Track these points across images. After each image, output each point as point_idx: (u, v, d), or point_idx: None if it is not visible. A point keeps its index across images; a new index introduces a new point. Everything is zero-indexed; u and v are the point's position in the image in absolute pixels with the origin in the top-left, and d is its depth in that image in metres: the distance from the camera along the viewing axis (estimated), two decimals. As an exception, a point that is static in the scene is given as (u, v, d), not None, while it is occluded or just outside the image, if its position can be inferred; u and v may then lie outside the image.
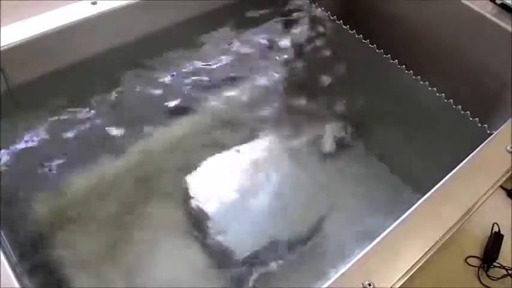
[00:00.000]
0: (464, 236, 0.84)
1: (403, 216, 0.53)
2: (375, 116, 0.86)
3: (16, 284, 0.45)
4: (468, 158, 0.59)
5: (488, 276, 0.80)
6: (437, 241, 0.51)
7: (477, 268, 0.80)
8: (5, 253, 0.47)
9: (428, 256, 0.51)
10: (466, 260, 0.81)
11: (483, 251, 0.82)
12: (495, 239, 0.83)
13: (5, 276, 0.45)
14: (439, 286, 0.78)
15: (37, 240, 0.66)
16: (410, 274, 0.49)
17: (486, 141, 0.61)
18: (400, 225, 0.52)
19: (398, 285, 0.48)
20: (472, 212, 0.54)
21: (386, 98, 0.87)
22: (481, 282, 0.79)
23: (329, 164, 0.80)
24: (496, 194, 0.91)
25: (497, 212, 0.88)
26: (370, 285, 0.47)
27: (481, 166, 0.59)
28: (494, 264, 0.81)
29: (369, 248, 0.50)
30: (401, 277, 0.48)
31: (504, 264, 0.81)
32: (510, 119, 0.64)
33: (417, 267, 0.50)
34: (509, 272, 0.80)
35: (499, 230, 0.84)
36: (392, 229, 0.52)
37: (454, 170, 0.58)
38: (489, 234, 0.84)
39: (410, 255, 0.50)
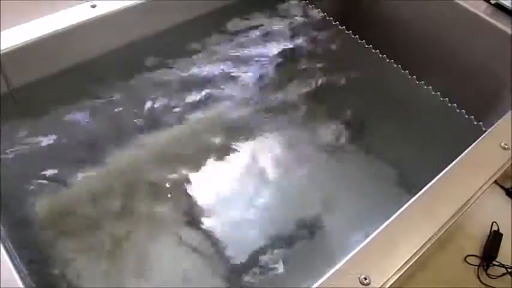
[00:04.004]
0: (463, 235, 0.84)
1: (398, 212, 0.54)
2: (372, 115, 0.86)
3: (20, 284, 0.45)
4: (463, 154, 0.60)
5: (487, 274, 0.79)
6: (432, 236, 0.52)
7: (477, 267, 0.80)
8: (7, 252, 0.47)
9: (424, 251, 0.51)
10: (465, 259, 0.81)
11: (482, 250, 0.82)
12: (494, 238, 0.83)
13: (8, 276, 0.45)
14: (439, 285, 0.77)
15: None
16: (406, 268, 0.49)
17: (480, 138, 0.62)
18: (396, 221, 0.53)
19: (394, 279, 0.48)
20: (467, 207, 0.55)
21: (383, 97, 0.88)
22: (480, 281, 0.79)
23: (328, 163, 0.81)
24: (495, 193, 0.91)
25: (496, 211, 0.88)
26: (366, 279, 0.47)
27: (476, 162, 0.59)
28: (494, 262, 0.80)
29: (365, 242, 0.51)
30: (397, 271, 0.49)
31: (504, 263, 0.80)
32: (504, 116, 0.65)
33: (413, 261, 0.50)
34: (509, 270, 0.80)
35: (498, 229, 0.84)
36: (388, 224, 0.52)
37: (449, 167, 0.58)
38: (488, 233, 0.84)
39: (406, 249, 0.51)
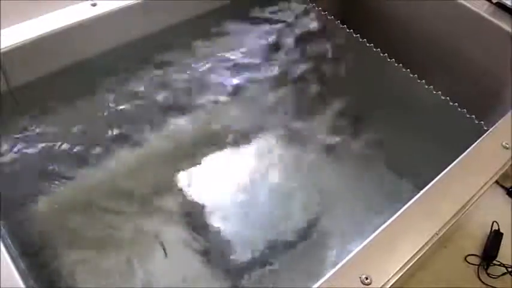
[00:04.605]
0: (464, 234, 0.84)
1: (399, 211, 0.54)
2: (372, 114, 0.86)
3: (21, 284, 0.45)
4: (464, 154, 0.60)
5: (488, 274, 0.80)
6: (433, 235, 0.52)
7: (477, 266, 0.80)
8: (7, 249, 0.47)
9: (425, 250, 0.51)
10: (466, 259, 0.81)
11: (483, 249, 0.82)
12: (495, 237, 0.83)
13: (8, 275, 0.45)
14: (439, 284, 0.78)
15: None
16: (407, 268, 0.49)
17: (482, 137, 0.62)
18: (397, 220, 0.53)
19: (396, 279, 0.48)
20: (468, 207, 0.55)
21: (384, 97, 0.88)
22: (480, 280, 0.79)
23: (328, 161, 0.81)
24: (496, 193, 0.91)
25: (496, 211, 0.88)
26: (367, 278, 0.47)
27: (477, 162, 0.59)
28: (494, 262, 0.81)
29: (366, 242, 0.51)
30: (398, 271, 0.49)
31: (504, 262, 0.80)
32: (505, 116, 0.65)
33: (414, 261, 0.50)
34: (509, 269, 0.80)
35: (499, 228, 0.84)
36: (389, 224, 0.52)
37: (450, 166, 0.58)
38: (489, 232, 0.84)
39: (407, 249, 0.51)
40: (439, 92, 0.86)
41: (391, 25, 0.93)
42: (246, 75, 0.90)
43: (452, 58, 0.86)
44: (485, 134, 0.63)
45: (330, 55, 0.95)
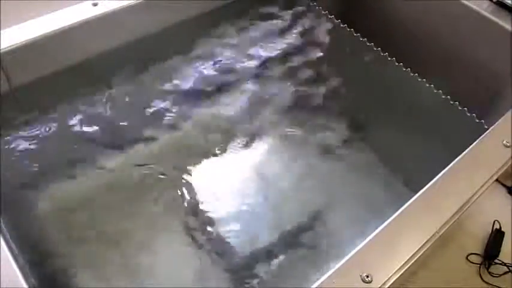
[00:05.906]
0: (465, 233, 0.84)
1: (400, 210, 0.54)
2: (373, 114, 0.86)
3: (23, 283, 0.45)
4: (465, 152, 0.60)
5: (489, 273, 0.80)
6: (434, 234, 0.52)
7: (478, 265, 0.80)
8: (7, 246, 0.47)
9: (425, 248, 0.51)
10: (467, 258, 0.81)
11: (484, 248, 0.82)
12: (496, 236, 0.83)
13: (10, 274, 0.45)
14: (441, 283, 0.78)
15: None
16: (408, 266, 0.49)
17: (482, 136, 0.62)
18: (398, 219, 0.53)
19: (396, 277, 0.48)
20: (469, 205, 0.55)
21: (385, 96, 0.88)
22: (482, 279, 0.79)
23: (328, 161, 0.81)
24: (497, 192, 0.91)
25: (498, 209, 0.88)
26: (368, 276, 0.47)
27: (478, 160, 0.59)
28: (496, 261, 0.81)
29: (367, 240, 0.51)
30: (398, 269, 0.49)
31: (505, 261, 0.81)
32: (506, 114, 0.65)
33: (415, 259, 0.50)
34: (511, 268, 0.80)
35: (500, 227, 0.84)
36: (390, 222, 0.52)
37: (451, 164, 0.58)
38: (490, 231, 0.84)
39: (408, 247, 0.51)
40: (440, 91, 0.86)
41: (391, 24, 0.93)
42: (245, 75, 0.90)
43: (453, 57, 0.86)
44: (485, 133, 0.63)
45: (330, 54, 0.95)
